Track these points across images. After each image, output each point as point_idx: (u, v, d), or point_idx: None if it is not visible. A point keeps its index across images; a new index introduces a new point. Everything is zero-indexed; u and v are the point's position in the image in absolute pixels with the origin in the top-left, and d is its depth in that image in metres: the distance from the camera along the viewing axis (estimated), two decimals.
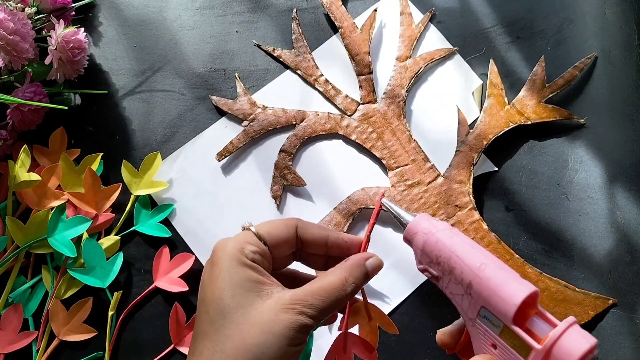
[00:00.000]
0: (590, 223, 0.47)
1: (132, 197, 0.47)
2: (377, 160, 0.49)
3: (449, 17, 0.52)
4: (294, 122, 0.49)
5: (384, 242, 0.47)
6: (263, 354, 0.29)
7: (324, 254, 0.36)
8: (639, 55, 0.51)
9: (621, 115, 0.50)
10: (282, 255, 0.35)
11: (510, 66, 0.51)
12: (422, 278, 0.46)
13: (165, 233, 0.46)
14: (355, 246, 0.36)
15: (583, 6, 0.52)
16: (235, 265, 0.31)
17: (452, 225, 0.46)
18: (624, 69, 0.50)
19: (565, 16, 0.52)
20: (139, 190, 0.47)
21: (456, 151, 0.48)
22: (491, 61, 0.50)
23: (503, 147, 0.49)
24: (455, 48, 0.51)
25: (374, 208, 0.46)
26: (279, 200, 0.48)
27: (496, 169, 0.48)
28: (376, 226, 0.47)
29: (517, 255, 0.45)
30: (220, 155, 0.48)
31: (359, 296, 0.37)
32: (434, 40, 0.51)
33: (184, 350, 0.44)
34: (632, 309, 0.45)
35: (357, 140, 0.49)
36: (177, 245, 0.47)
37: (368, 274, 0.34)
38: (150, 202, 0.48)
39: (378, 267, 0.35)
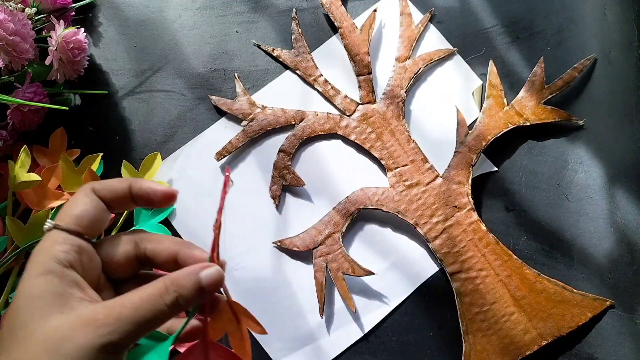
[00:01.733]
0: (590, 223, 0.47)
1: None
2: (376, 160, 0.49)
3: (449, 17, 0.52)
4: (293, 122, 0.49)
5: (384, 242, 0.47)
6: None
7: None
8: (638, 56, 0.51)
9: (621, 115, 0.50)
10: (116, 211, 0.30)
11: (510, 66, 0.51)
12: (422, 278, 0.46)
13: (165, 233, 0.46)
14: (164, 196, 0.30)
15: (583, 7, 0.52)
16: (37, 275, 0.27)
17: (451, 225, 0.46)
18: (624, 70, 0.50)
19: (565, 16, 0.52)
20: None
21: (455, 152, 0.48)
22: (490, 62, 0.50)
23: (502, 147, 0.49)
24: (455, 49, 0.51)
25: (372, 208, 0.46)
26: (277, 200, 0.48)
27: (496, 169, 0.48)
28: (375, 225, 0.48)
29: (515, 257, 0.45)
30: (220, 155, 0.48)
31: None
32: (434, 41, 0.51)
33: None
34: (632, 309, 0.45)
35: (356, 141, 0.49)
36: None
37: (203, 287, 0.28)
38: None
39: (216, 280, 0.29)
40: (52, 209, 0.45)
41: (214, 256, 0.30)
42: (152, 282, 0.27)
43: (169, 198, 0.31)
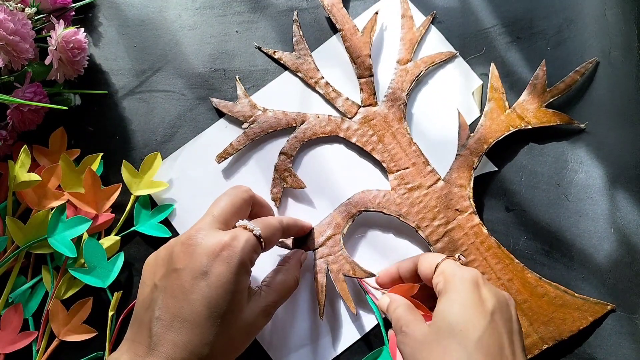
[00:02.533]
0: (590, 224, 0.47)
1: (132, 197, 0.47)
2: (377, 163, 0.49)
3: (449, 18, 0.52)
4: (294, 125, 0.49)
5: (384, 244, 0.47)
6: (238, 351, 0.37)
7: None
8: (638, 57, 0.51)
9: (621, 116, 0.50)
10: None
11: (510, 66, 0.51)
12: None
13: (165, 233, 0.46)
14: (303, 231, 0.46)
15: (583, 7, 0.52)
16: (242, 274, 0.36)
17: (452, 229, 0.46)
18: (624, 70, 0.50)
19: (565, 17, 0.52)
20: (139, 191, 0.47)
21: (457, 155, 0.48)
22: (492, 65, 0.50)
23: (503, 147, 0.49)
24: (456, 52, 0.51)
25: (374, 211, 0.46)
26: (278, 203, 0.48)
27: (496, 169, 0.48)
28: (376, 231, 0.48)
29: (516, 261, 0.45)
30: (220, 158, 0.48)
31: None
32: (435, 43, 0.51)
33: None
34: (632, 310, 0.45)
35: (357, 143, 0.49)
36: None
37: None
38: (150, 203, 0.48)
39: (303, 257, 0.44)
40: (52, 208, 0.45)
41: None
42: (282, 276, 0.40)
43: (304, 231, 0.46)
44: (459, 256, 0.39)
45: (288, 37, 0.52)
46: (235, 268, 0.35)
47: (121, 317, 0.45)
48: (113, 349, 0.44)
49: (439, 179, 0.47)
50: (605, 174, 0.48)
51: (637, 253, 0.47)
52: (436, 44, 0.51)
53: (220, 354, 0.35)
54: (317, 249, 0.46)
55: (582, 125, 0.49)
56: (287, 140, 0.48)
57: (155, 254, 0.38)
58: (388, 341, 0.44)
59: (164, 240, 0.47)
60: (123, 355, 0.34)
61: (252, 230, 0.37)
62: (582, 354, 0.45)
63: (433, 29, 0.52)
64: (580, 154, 0.49)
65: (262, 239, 0.38)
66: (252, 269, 0.38)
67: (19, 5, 0.44)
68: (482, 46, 0.51)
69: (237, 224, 0.38)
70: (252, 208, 0.42)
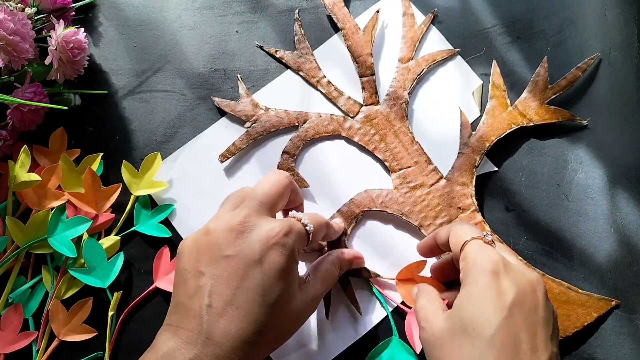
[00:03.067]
0: (590, 224, 0.47)
1: (132, 198, 0.47)
2: (379, 162, 0.49)
3: (449, 17, 0.52)
4: (296, 124, 0.49)
5: (386, 242, 0.47)
6: (286, 338, 0.37)
7: None
8: (638, 56, 0.51)
9: (621, 116, 0.50)
10: None
11: (511, 66, 0.51)
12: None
13: (166, 233, 0.46)
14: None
15: (583, 7, 0.52)
16: (293, 262, 0.36)
17: None
18: (624, 70, 0.50)
19: (565, 17, 0.52)
20: (139, 191, 0.47)
21: (459, 153, 0.48)
22: (494, 62, 0.50)
23: (503, 147, 0.49)
24: (457, 50, 0.51)
25: (377, 210, 0.46)
26: None
27: (496, 169, 0.48)
28: (378, 223, 0.48)
29: (519, 257, 0.45)
30: (223, 157, 0.48)
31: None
32: (436, 42, 0.51)
33: None
34: (632, 310, 0.45)
35: (359, 142, 0.49)
36: (177, 245, 0.47)
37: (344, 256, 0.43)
38: (150, 203, 0.48)
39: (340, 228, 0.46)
40: (52, 208, 0.45)
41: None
42: (324, 267, 0.41)
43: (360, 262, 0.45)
44: (485, 234, 0.37)
45: (288, 37, 0.52)
46: (289, 257, 0.35)
47: (121, 317, 0.45)
48: (113, 349, 0.44)
49: (441, 178, 0.47)
50: (605, 174, 0.48)
51: (637, 253, 0.47)
52: (436, 43, 0.51)
53: (270, 341, 0.35)
54: (322, 249, 0.46)
55: (584, 122, 0.49)
56: (290, 140, 0.48)
57: (193, 240, 0.36)
58: (397, 332, 0.44)
59: (164, 240, 0.47)
60: (171, 342, 0.33)
61: (305, 225, 0.38)
62: (582, 354, 0.45)
63: (433, 28, 0.52)
64: (580, 154, 0.49)
65: (310, 234, 0.38)
66: None
67: (19, 5, 0.44)
68: (482, 46, 0.51)
69: (290, 214, 0.39)
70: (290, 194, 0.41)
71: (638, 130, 0.49)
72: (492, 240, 0.37)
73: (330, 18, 0.52)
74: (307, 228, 0.38)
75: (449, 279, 0.44)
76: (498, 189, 0.48)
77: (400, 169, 0.48)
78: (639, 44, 0.51)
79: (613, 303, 0.45)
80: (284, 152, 0.48)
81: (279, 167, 0.48)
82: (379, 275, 0.45)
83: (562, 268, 0.46)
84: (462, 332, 0.33)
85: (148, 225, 0.47)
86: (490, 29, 0.52)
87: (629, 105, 0.50)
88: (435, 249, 0.42)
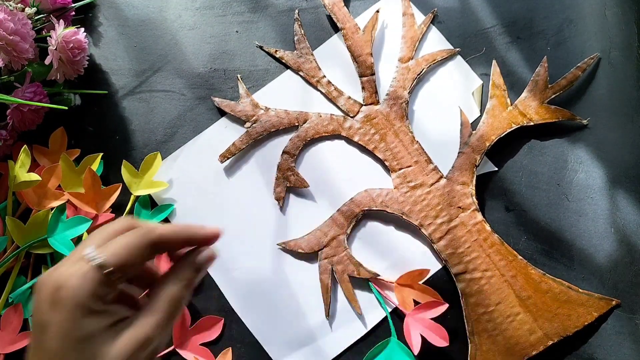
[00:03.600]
0: (590, 224, 0.47)
1: (132, 198, 0.47)
2: (380, 161, 0.49)
3: (449, 17, 0.52)
4: (297, 124, 0.49)
5: (386, 242, 0.47)
6: None
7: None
8: (639, 57, 0.51)
9: (621, 116, 0.50)
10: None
11: (510, 66, 0.51)
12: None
13: None
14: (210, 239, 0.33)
15: (583, 7, 0.52)
16: (83, 316, 0.28)
17: (455, 226, 0.46)
18: (624, 70, 0.50)
19: (565, 17, 0.52)
20: (139, 191, 0.47)
21: (459, 153, 0.48)
22: (494, 62, 0.50)
23: (503, 147, 0.49)
24: (457, 49, 0.51)
25: (377, 210, 0.46)
26: (281, 202, 0.48)
27: (496, 169, 0.48)
28: (378, 223, 0.48)
29: (520, 257, 0.45)
30: (223, 157, 0.48)
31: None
32: (436, 41, 0.51)
33: (184, 353, 0.44)
34: (632, 310, 0.45)
35: (360, 142, 0.49)
36: None
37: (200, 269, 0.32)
38: (150, 203, 0.48)
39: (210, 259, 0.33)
40: (52, 208, 0.45)
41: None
42: (145, 314, 0.30)
43: (215, 238, 0.33)
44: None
45: (288, 37, 0.52)
46: (72, 313, 0.27)
47: None
48: None
49: (441, 177, 0.47)
50: (605, 174, 0.48)
51: (637, 253, 0.47)
52: (436, 42, 0.51)
53: None
54: (322, 249, 0.46)
55: (584, 121, 0.49)
56: (290, 140, 0.48)
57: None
58: (395, 332, 0.44)
59: None
60: None
61: (89, 261, 0.28)
62: (582, 354, 0.45)
63: (433, 28, 0.52)
64: (580, 154, 0.49)
65: (107, 269, 0.28)
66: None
67: (19, 5, 0.44)
68: (482, 46, 0.51)
69: (82, 253, 0.29)
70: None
71: (638, 130, 0.49)
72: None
73: (330, 18, 0.52)
74: (93, 263, 0.28)
75: None
76: (498, 189, 0.48)
77: (400, 169, 0.48)
78: (639, 43, 0.51)
79: (613, 303, 0.45)
80: (284, 152, 0.48)
81: (279, 167, 0.48)
82: (379, 276, 0.45)
83: (562, 268, 0.46)
84: None
85: None
86: (490, 29, 0.52)
87: (629, 105, 0.50)
88: None
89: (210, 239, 0.33)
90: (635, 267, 0.46)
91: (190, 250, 0.32)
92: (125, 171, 0.47)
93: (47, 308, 0.28)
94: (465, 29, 0.52)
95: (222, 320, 0.45)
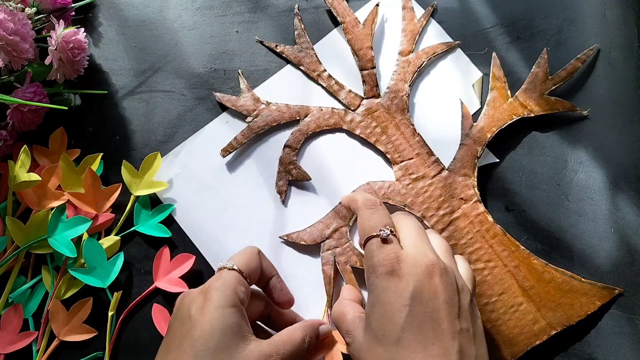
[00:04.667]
0: (590, 224, 0.47)
1: (132, 197, 0.47)
2: (381, 154, 0.49)
3: (449, 17, 0.52)
4: (298, 118, 0.49)
5: None
6: None
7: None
8: (639, 57, 0.51)
9: (621, 116, 0.50)
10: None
11: (510, 66, 0.51)
12: None
13: (166, 233, 0.46)
14: (286, 302, 0.41)
15: (583, 7, 0.52)
16: (229, 307, 0.34)
17: (457, 217, 0.46)
18: (624, 70, 0.50)
19: (565, 17, 0.52)
20: (139, 191, 0.47)
21: (460, 144, 0.48)
22: (493, 54, 0.50)
23: (504, 140, 0.49)
24: (457, 42, 0.51)
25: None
26: (284, 195, 0.48)
27: (497, 160, 0.48)
28: None
29: (522, 247, 0.45)
30: (225, 152, 0.48)
31: None
32: (435, 35, 0.52)
33: None
34: (632, 310, 0.45)
35: (361, 135, 0.49)
36: (177, 245, 0.47)
37: (319, 337, 0.39)
38: (150, 203, 0.48)
39: (327, 333, 0.41)
40: (52, 208, 0.45)
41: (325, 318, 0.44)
42: (291, 329, 0.37)
43: (289, 303, 0.42)
44: (381, 231, 0.37)
45: (288, 37, 0.52)
46: (217, 301, 0.34)
47: (121, 317, 0.45)
48: (113, 349, 0.44)
49: (443, 169, 0.47)
50: (605, 174, 0.48)
51: (637, 253, 0.47)
52: (436, 35, 0.52)
53: None
54: (324, 241, 0.46)
55: (585, 112, 0.49)
56: (292, 134, 0.48)
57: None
58: None
59: (164, 240, 0.47)
60: None
61: (224, 267, 0.37)
62: (582, 354, 0.45)
63: (433, 22, 0.52)
64: (580, 154, 0.49)
65: (239, 270, 0.37)
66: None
67: (19, 5, 0.44)
68: (483, 46, 0.51)
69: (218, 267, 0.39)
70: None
71: (638, 130, 0.49)
72: (389, 235, 0.37)
73: (330, 17, 0.52)
74: (226, 266, 0.37)
75: None
76: (498, 189, 0.48)
77: (402, 161, 0.48)
78: (639, 43, 0.51)
79: (616, 291, 0.45)
80: (285, 146, 0.48)
81: (280, 161, 0.48)
82: None
83: (562, 268, 0.46)
84: (376, 340, 0.34)
85: (148, 225, 0.47)
86: (490, 29, 0.52)
87: (629, 105, 0.50)
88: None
89: (285, 302, 0.42)
90: (636, 267, 0.46)
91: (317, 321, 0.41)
92: (125, 171, 0.47)
93: (191, 304, 0.35)
94: (465, 29, 0.52)
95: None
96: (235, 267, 0.37)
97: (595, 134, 0.49)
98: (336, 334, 0.42)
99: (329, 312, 0.45)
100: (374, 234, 0.37)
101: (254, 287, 0.42)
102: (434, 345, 0.33)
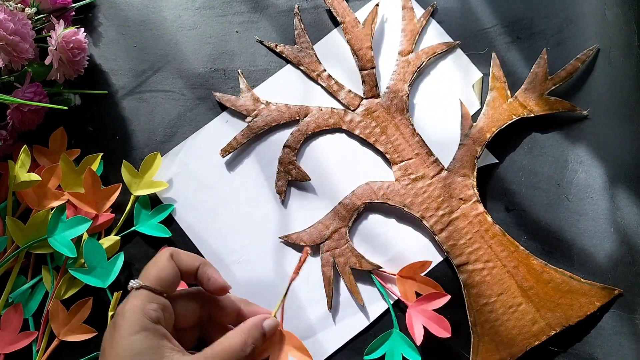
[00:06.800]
0: (590, 223, 0.47)
1: (132, 198, 0.47)
2: (380, 154, 0.49)
3: (449, 17, 0.52)
4: (297, 118, 0.49)
5: (388, 233, 0.47)
6: None
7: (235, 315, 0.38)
8: (639, 56, 0.51)
9: (621, 116, 0.50)
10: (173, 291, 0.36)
11: (510, 66, 0.51)
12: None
13: (166, 233, 0.46)
14: (219, 289, 0.37)
15: (583, 6, 0.52)
16: (136, 332, 0.32)
17: (457, 218, 0.46)
18: (624, 70, 0.50)
19: (565, 16, 0.52)
20: (139, 191, 0.47)
21: (460, 144, 0.48)
22: (493, 54, 0.50)
23: (504, 141, 0.49)
24: (457, 42, 0.51)
25: (378, 202, 0.47)
26: (283, 196, 0.48)
27: (497, 161, 0.48)
28: (379, 216, 0.48)
29: (521, 247, 0.45)
30: (225, 152, 0.48)
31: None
32: (435, 35, 0.52)
33: None
34: (632, 309, 0.45)
35: (360, 135, 0.49)
36: (177, 245, 0.47)
37: (265, 335, 0.36)
38: (150, 203, 0.48)
39: (274, 328, 0.37)
40: (52, 208, 0.45)
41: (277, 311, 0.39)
42: (229, 335, 0.34)
43: (222, 290, 0.37)
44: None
45: (288, 37, 0.52)
46: (123, 330, 0.32)
47: None
48: None
49: (442, 169, 0.47)
50: (605, 174, 0.48)
51: (637, 253, 0.47)
52: (436, 36, 0.52)
53: None
54: (324, 242, 0.46)
55: (585, 112, 0.49)
56: (291, 134, 0.49)
57: None
58: (398, 324, 0.45)
59: (164, 240, 0.47)
60: None
61: (132, 287, 0.34)
62: (582, 354, 0.45)
63: (433, 22, 0.52)
64: (580, 154, 0.49)
65: (147, 287, 0.34)
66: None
67: (19, 5, 0.44)
68: (483, 46, 0.51)
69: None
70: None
71: (638, 130, 0.49)
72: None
73: (330, 18, 0.52)
74: (132, 286, 0.34)
75: None
76: (498, 189, 0.48)
77: (401, 161, 0.48)
78: (639, 43, 0.51)
79: (616, 292, 0.45)
80: (285, 146, 0.48)
81: (280, 161, 0.48)
82: (381, 268, 0.45)
83: (562, 268, 0.46)
84: None
85: (148, 225, 0.47)
86: (490, 29, 0.52)
87: (629, 105, 0.50)
88: None
89: (217, 289, 0.37)
90: (636, 267, 0.46)
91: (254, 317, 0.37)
92: (125, 171, 0.47)
93: (108, 333, 0.32)
94: (465, 29, 0.52)
95: None
96: (141, 285, 0.34)
97: (595, 134, 0.49)
98: (288, 334, 0.39)
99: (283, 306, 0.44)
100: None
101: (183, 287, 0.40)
102: None
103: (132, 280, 0.34)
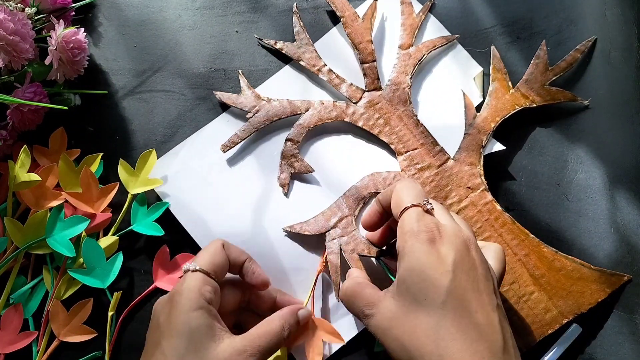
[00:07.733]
0: (590, 224, 0.47)
1: (129, 196, 0.47)
2: (385, 145, 0.49)
3: (449, 17, 0.52)
4: (299, 112, 0.49)
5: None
6: None
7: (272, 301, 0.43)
8: (639, 57, 0.51)
9: (621, 116, 0.50)
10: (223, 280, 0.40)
11: (510, 66, 0.51)
12: None
13: (159, 232, 0.46)
14: (261, 284, 0.41)
15: (583, 7, 0.52)
16: (194, 310, 0.35)
17: (465, 207, 0.46)
18: (624, 70, 0.50)
19: (565, 17, 0.52)
20: (136, 189, 0.47)
21: (465, 134, 0.48)
22: (492, 47, 0.50)
23: (505, 138, 0.49)
24: (457, 35, 0.51)
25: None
26: (286, 188, 0.48)
27: (504, 147, 0.48)
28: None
29: (532, 235, 0.45)
30: (226, 147, 0.48)
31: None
32: (434, 30, 0.52)
33: None
34: (632, 309, 0.45)
35: (364, 127, 0.48)
36: (177, 245, 0.47)
37: (299, 322, 0.41)
38: (149, 201, 0.48)
39: (307, 317, 0.42)
40: (50, 209, 0.45)
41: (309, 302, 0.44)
42: (269, 319, 0.38)
43: (264, 285, 0.42)
44: (424, 202, 0.37)
45: (288, 37, 0.52)
46: (182, 306, 0.35)
47: (121, 318, 0.45)
48: (113, 349, 0.44)
49: (448, 159, 0.47)
50: (605, 174, 0.48)
51: (637, 253, 0.47)
52: (435, 30, 0.52)
53: None
54: (329, 231, 0.46)
55: (586, 102, 0.49)
56: (293, 127, 0.48)
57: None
58: None
59: (164, 240, 0.47)
60: None
61: (187, 270, 0.38)
62: (582, 354, 0.45)
63: (431, 17, 0.52)
64: (580, 154, 0.49)
65: (203, 270, 0.38)
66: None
67: (19, 5, 0.44)
68: (483, 46, 0.51)
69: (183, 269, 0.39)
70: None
71: (638, 130, 0.49)
72: (431, 208, 0.37)
73: (329, 17, 0.52)
74: (190, 269, 0.38)
75: (381, 242, 0.45)
76: (498, 189, 0.48)
77: (406, 151, 0.48)
78: (639, 43, 0.51)
79: (625, 278, 0.45)
80: (287, 140, 0.48)
81: (282, 154, 0.48)
82: (391, 253, 0.45)
83: None
84: (415, 304, 0.33)
85: (144, 224, 0.46)
86: (490, 29, 0.52)
87: (629, 106, 0.50)
88: (382, 214, 0.42)
89: (259, 283, 0.42)
90: (636, 267, 0.46)
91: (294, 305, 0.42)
92: (122, 170, 0.47)
93: (161, 309, 0.36)
94: (466, 28, 0.52)
95: None
96: (198, 269, 0.37)
97: (596, 134, 0.49)
98: (320, 320, 0.44)
99: (313, 299, 0.45)
100: (416, 203, 0.37)
101: (230, 275, 0.42)
102: (478, 314, 0.32)
103: (187, 263, 0.38)
